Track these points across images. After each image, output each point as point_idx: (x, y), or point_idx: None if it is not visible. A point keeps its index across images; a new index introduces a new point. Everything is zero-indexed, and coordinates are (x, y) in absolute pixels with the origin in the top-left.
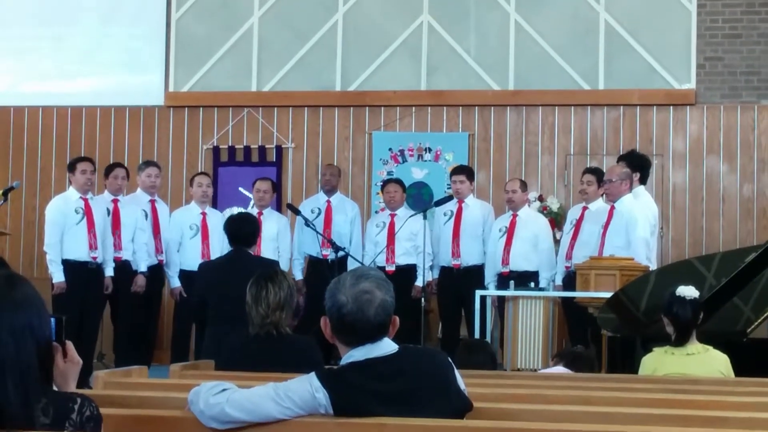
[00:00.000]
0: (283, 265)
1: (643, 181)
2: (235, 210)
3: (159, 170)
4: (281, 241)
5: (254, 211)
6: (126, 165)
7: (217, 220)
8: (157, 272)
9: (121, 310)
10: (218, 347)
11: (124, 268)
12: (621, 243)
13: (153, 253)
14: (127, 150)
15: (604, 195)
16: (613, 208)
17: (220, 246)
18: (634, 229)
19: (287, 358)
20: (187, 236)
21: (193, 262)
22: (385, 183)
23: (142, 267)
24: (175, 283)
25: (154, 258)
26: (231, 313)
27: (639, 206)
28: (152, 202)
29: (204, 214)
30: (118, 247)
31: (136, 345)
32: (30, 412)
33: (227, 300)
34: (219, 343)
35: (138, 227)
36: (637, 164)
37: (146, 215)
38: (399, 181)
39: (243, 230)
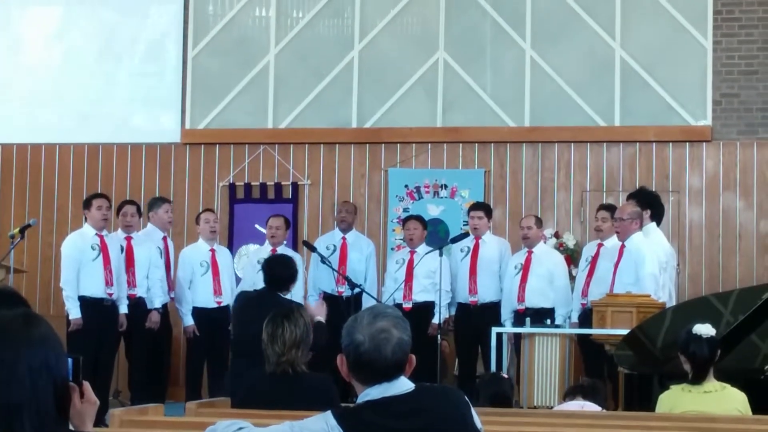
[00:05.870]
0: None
1: (656, 218)
2: (251, 247)
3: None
4: None
5: (268, 248)
6: (142, 203)
7: (226, 256)
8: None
9: (135, 347)
10: (235, 382)
11: (138, 305)
12: (630, 280)
13: (166, 290)
14: (144, 188)
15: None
16: (623, 246)
17: (230, 283)
18: (643, 265)
19: (303, 396)
20: (198, 273)
21: (204, 299)
22: (406, 220)
23: (157, 303)
24: (188, 321)
25: (167, 295)
26: (248, 350)
27: (648, 243)
28: (165, 239)
29: (213, 251)
30: (132, 284)
31: (152, 382)
32: None
33: (248, 336)
34: (235, 378)
35: (153, 264)
36: (647, 201)
37: (160, 252)
38: (419, 218)
39: (275, 273)
